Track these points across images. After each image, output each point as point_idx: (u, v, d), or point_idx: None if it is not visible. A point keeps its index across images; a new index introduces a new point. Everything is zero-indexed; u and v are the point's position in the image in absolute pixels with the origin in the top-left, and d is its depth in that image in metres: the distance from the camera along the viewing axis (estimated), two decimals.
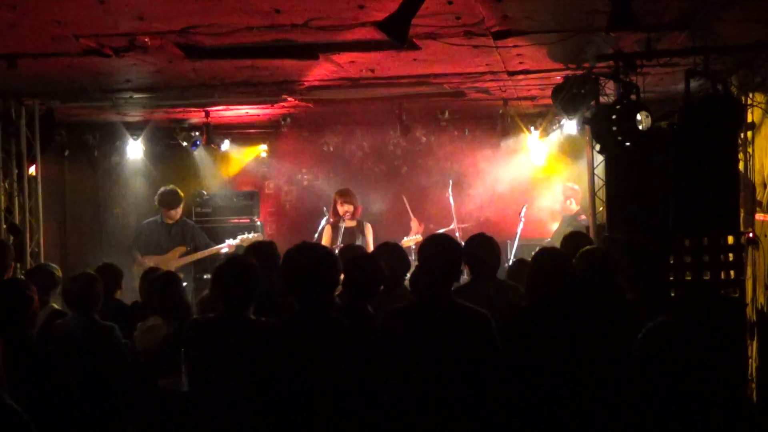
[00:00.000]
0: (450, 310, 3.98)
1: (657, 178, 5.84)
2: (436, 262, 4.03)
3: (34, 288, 4.38)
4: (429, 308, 4.00)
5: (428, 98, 8.06)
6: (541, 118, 9.63)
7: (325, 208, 9.15)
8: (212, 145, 9.45)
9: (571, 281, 4.30)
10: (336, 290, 5.33)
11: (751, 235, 6.21)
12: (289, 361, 3.77)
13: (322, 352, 3.77)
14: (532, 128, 9.31)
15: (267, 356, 3.83)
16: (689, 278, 5.70)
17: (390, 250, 5.36)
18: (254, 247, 5.51)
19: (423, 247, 4.17)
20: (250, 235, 8.61)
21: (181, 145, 9.77)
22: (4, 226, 7.33)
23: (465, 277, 5.50)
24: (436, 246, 4.13)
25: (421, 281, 4.27)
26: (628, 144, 5.53)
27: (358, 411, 3.85)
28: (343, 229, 8.63)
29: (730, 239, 5.83)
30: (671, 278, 5.71)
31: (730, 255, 5.80)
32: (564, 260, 4.46)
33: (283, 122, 9.56)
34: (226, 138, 10.18)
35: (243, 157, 10.86)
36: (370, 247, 8.16)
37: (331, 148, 10.74)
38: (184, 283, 6.80)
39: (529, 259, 4.64)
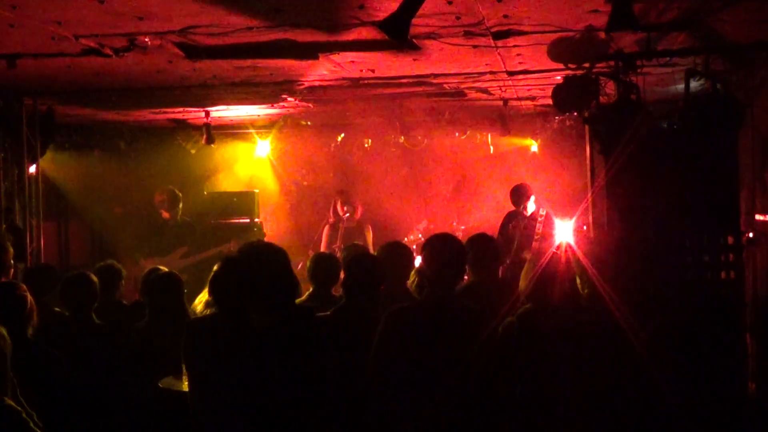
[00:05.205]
0: (453, 310, 3.99)
1: (657, 177, 5.84)
2: (440, 261, 4.03)
3: (24, 287, 4.39)
4: (432, 307, 4.01)
5: (428, 98, 8.06)
6: (541, 118, 9.65)
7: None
8: (212, 145, 9.45)
9: (573, 284, 4.30)
10: (335, 288, 5.37)
11: (751, 235, 6.21)
12: (282, 362, 3.76)
13: (312, 353, 3.77)
14: (532, 128, 9.31)
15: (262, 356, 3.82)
16: (689, 278, 5.70)
17: (392, 249, 5.35)
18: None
19: (427, 247, 4.16)
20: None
21: (181, 145, 9.77)
22: (4, 226, 7.33)
23: (465, 277, 5.50)
24: (441, 245, 4.12)
25: (425, 280, 4.27)
26: (627, 144, 5.53)
27: (358, 409, 3.86)
28: (342, 230, 8.63)
29: (730, 239, 5.84)
30: (672, 278, 5.71)
31: (730, 255, 5.80)
32: (566, 264, 4.45)
33: (283, 122, 9.57)
34: (226, 138, 10.18)
35: (243, 157, 10.86)
36: (370, 249, 8.16)
37: (332, 148, 10.74)
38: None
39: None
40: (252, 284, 3.78)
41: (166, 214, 8.72)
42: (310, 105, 8.41)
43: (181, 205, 8.82)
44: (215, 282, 4.12)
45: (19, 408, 3.16)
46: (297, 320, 3.84)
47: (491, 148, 10.37)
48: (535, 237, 8.03)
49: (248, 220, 9.80)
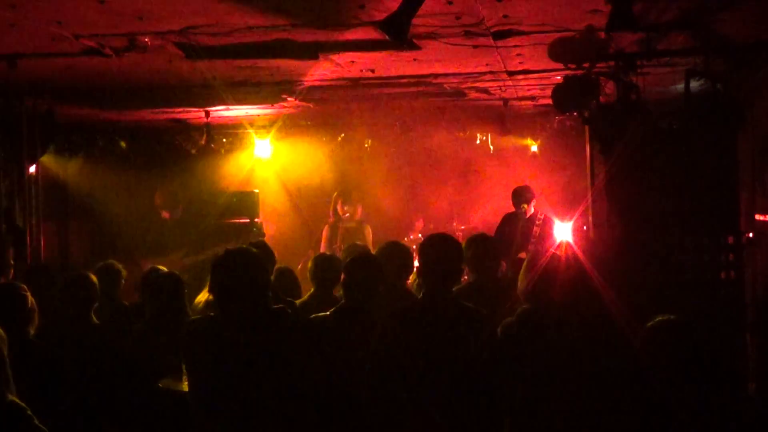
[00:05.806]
0: (452, 310, 3.98)
1: (657, 178, 5.85)
2: (437, 261, 4.03)
3: (25, 287, 4.39)
4: (431, 308, 4.01)
5: (428, 98, 8.06)
6: (542, 118, 9.66)
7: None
8: (212, 145, 9.45)
9: (573, 283, 4.29)
10: (335, 288, 5.37)
11: (751, 235, 6.21)
12: (261, 364, 3.76)
13: (289, 354, 3.78)
14: (532, 128, 9.31)
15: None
16: (689, 278, 5.71)
17: (392, 249, 5.35)
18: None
19: (424, 247, 4.16)
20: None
21: (182, 145, 9.77)
22: (4, 226, 7.33)
23: (464, 277, 5.51)
24: (437, 246, 4.12)
25: (423, 281, 4.27)
26: (627, 144, 5.54)
27: (357, 409, 3.86)
28: (342, 230, 8.63)
29: (730, 239, 5.84)
30: (672, 278, 5.72)
31: (730, 255, 5.80)
32: (566, 264, 4.45)
33: (283, 122, 9.57)
34: (226, 138, 10.18)
35: (243, 157, 10.85)
36: (370, 249, 8.15)
37: (332, 149, 10.74)
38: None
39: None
40: (221, 289, 3.78)
41: (166, 214, 8.72)
42: (310, 105, 8.40)
43: (181, 206, 8.81)
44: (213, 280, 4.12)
45: (24, 405, 3.15)
46: (270, 323, 3.82)
47: (491, 148, 10.37)
48: (532, 240, 8.01)
49: (248, 220, 9.79)
